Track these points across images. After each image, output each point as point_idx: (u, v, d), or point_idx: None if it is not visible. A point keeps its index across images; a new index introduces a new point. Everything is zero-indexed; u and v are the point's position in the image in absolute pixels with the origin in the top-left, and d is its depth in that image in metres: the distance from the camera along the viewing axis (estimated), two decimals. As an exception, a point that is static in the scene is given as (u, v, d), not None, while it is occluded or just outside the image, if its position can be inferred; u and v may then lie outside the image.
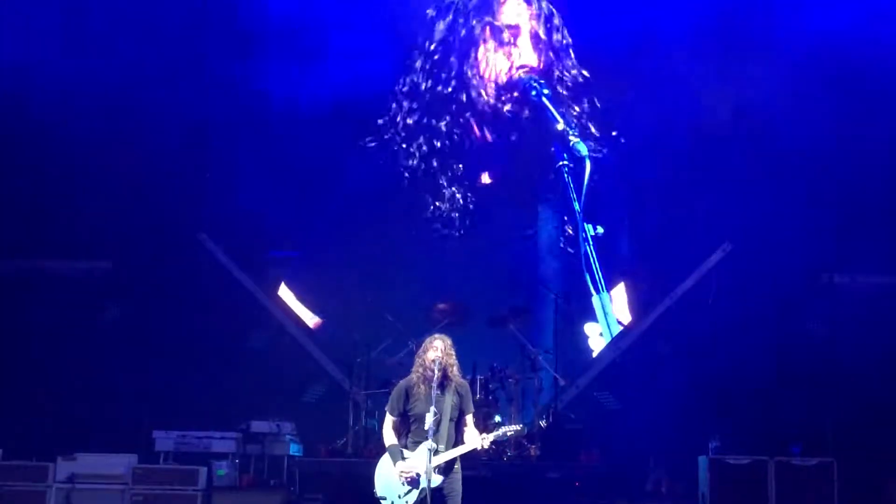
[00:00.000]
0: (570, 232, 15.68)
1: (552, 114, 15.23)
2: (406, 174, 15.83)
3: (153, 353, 14.75)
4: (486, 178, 16.06)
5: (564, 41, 15.86)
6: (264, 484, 13.71)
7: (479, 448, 9.10)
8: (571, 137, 15.02)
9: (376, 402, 13.99)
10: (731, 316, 14.61)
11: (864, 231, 14.66)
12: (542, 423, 14.20)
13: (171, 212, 15.22)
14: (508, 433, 9.15)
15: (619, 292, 15.75)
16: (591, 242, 14.78)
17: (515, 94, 15.66)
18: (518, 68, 15.76)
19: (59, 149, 14.89)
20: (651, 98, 15.41)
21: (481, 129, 15.80)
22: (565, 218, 15.81)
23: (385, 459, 9.16)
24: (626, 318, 15.73)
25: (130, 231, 15.07)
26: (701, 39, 15.17)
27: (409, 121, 15.85)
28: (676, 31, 15.19)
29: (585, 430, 14.25)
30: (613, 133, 15.68)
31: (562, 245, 15.87)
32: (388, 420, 9.22)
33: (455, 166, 15.75)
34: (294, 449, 13.97)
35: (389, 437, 9.17)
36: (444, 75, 15.84)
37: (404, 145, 15.86)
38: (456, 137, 15.79)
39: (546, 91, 15.40)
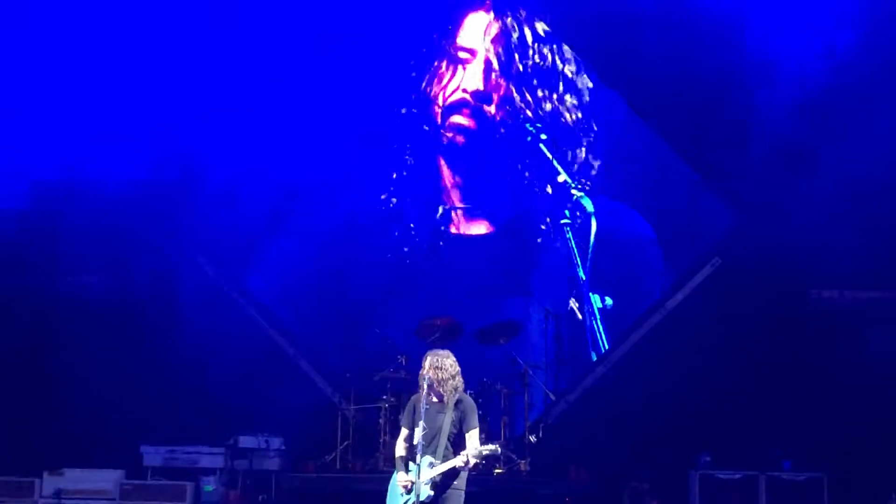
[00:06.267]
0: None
1: (552, 164, 13.60)
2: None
3: (141, 366, 14.67)
4: (480, 227, 14.48)
5: (531, 64, 14.39)
6: (252, 500, 13.63)
7: (460, 465, 9.16)
8: (574, 192, 13.49)
9: (366, 417, 14.02)
10: (720, 330, 14.55)
11: (853, 245, 14.62)
12: (532, 439, 14.14)
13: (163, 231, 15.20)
14: (484, 452, 9.16)
15: None
16: (598, 316, 13.08)
17: (458, 119, 14.24)
18: (463, 90, 14.45)
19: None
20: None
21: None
22: (547, 309, 14.13)
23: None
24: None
25: (125, 247, 15.01)
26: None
27: None
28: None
29: (575, 446, 14.22)
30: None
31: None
32: (402, 433, 9.51)
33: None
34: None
35: (399, 448, 9.49)
36: (414, 96, 14.79)
37: None
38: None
39: (543, 136, 13.72)
